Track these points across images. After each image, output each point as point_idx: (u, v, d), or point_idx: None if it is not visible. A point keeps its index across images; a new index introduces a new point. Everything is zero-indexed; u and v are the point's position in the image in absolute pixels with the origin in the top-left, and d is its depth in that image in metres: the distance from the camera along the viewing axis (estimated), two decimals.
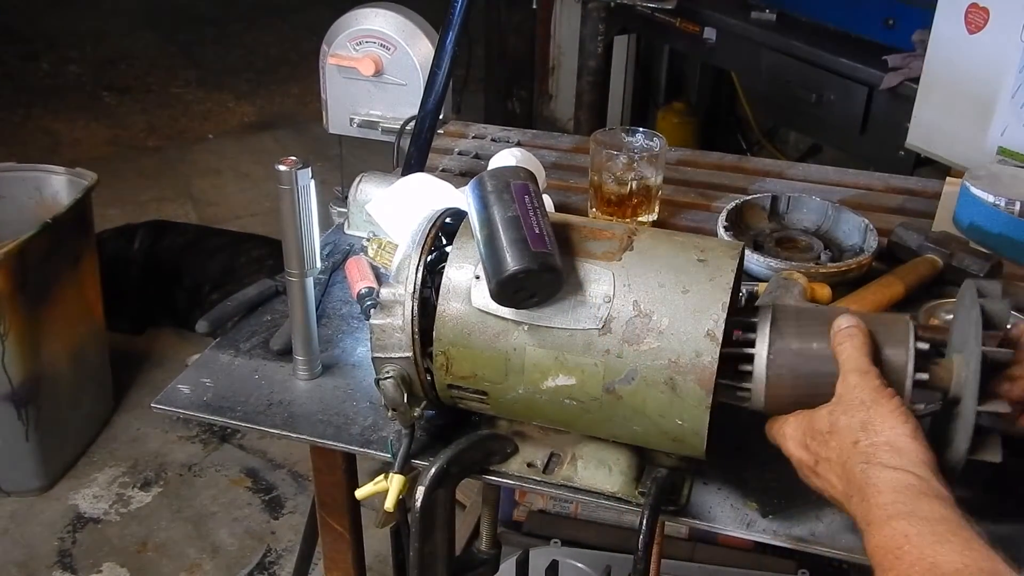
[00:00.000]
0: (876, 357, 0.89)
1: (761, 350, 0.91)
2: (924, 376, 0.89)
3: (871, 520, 0.79)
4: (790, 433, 0.91)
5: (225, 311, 1.33)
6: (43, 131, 4.77)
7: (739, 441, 1.09)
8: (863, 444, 0.84)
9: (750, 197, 1.52)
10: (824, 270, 1.33)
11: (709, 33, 3.07)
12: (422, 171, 1.51)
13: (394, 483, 1.00)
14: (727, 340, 0.91)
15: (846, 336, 0.90)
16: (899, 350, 0.89)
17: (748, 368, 0.92)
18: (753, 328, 0.93)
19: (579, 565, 1.90)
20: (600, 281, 0.93)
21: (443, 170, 1.72)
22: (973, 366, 0.86)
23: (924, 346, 0.90)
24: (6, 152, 4.21)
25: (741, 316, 0.94)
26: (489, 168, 1.29)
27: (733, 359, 0.93)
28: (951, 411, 0.91)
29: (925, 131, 2.11)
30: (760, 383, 0.92)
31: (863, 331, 0.89)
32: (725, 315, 0.90)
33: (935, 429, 0.93)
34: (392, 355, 0.99)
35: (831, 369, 0.89)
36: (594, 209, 1.52)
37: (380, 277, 1.37)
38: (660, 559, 1.50)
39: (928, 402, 0.93)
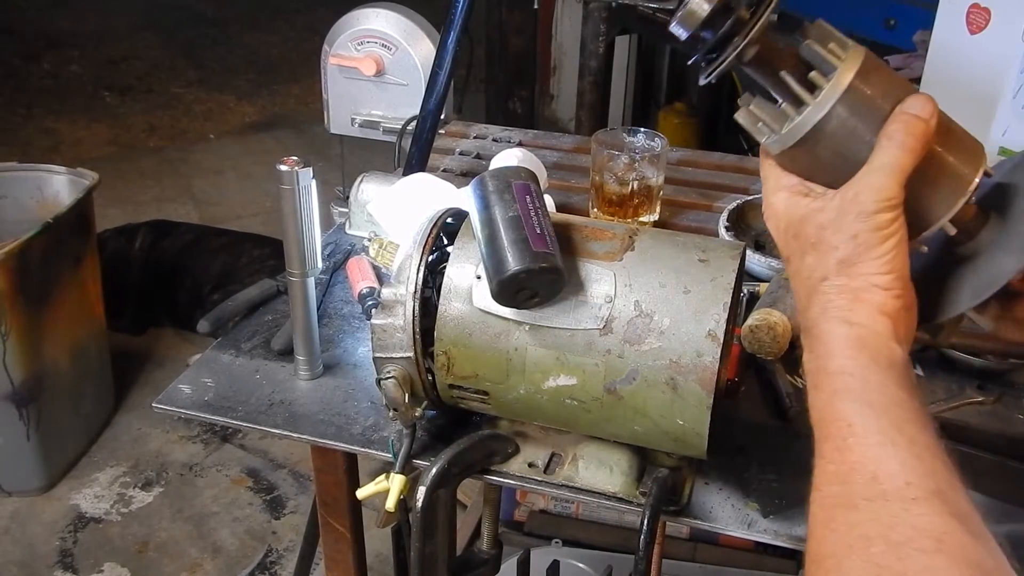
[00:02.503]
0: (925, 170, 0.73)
1: (844, 78, 0.75)
2: (973, 200, 0.76)
3: (816, 384, 0.73)
4: (778, 208, 0.80)
5: (226, 311, 1.33)
6: (44, 131, 4.77)
7: (740, 441, 1.09)
8: (830, 286, 0.74)
9: (751, 197, 1.52)
10: None
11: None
12: (423, 171, 1.51)
13: (395, 483, 1.00)
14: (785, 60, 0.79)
15: (903, 133, 0.73)
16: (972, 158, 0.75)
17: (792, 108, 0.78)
18: (823, 67, 0.78)
19: (580, 565, 1.90)
20: (601, 281, 0.93)
21: (444, 170, 1.72)
22: None
23: (990, 171, 0.77)
24: (7, 152, 4.22)
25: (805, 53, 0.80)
26: (490, 168, 1.29)
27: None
28: (946, 260, 0.81)
29: None
30: (798, 134, 0.76)
31: (926, 138, 0.73)
32: (726, 315, 0.90)
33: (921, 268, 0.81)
34: (393, 355, 0.99)
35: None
36: (595, 209, 1.52)
37: (381, 277, 1.37)
38: (661, 559, 1.50)
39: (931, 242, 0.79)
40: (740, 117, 0.83)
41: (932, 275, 0.81)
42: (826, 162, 0.77)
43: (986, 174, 0.76)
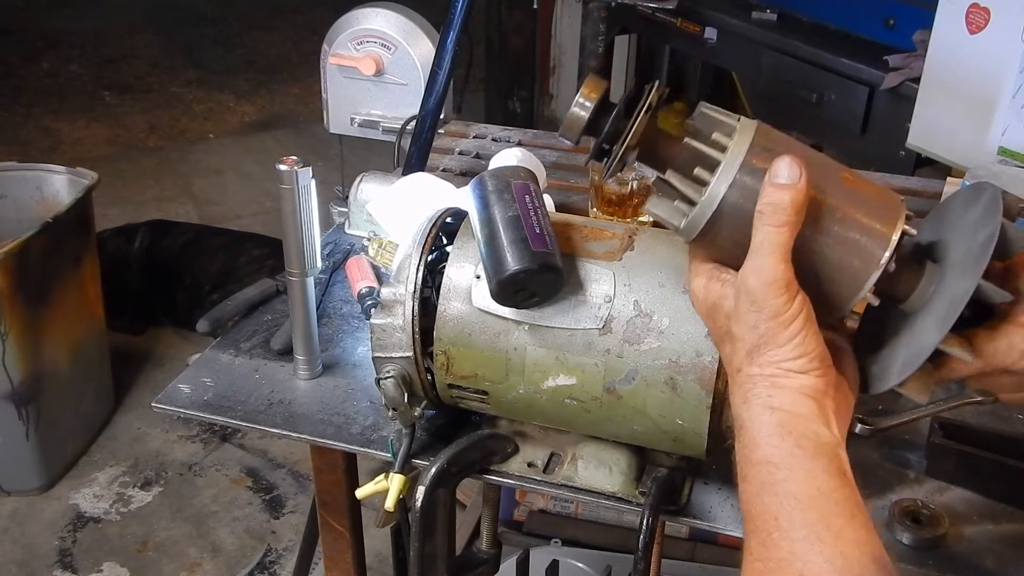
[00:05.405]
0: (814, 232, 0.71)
1: (727, 174, 0.73)
2: (892, 267, 0.73)
3: (744, 475, 0.71)
4: (697, 294, 0.79)
5: (226, 311, 1.33)
6: (44, 131, 4.77)
7: None
8: (745, 376, 0.73)
9: None
10: None
11: (710, 33, 3.07)
12: (423, 171, 1.51)
13: (394, 483, 1.00)
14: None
15: (769, 208, 0.70)
16: (883, 225, 0.73)
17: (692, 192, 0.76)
18: (720, 135, 0.75)
19: (579, 565, 1.90)
20: (601, 281, 0.93)
21: (444, 170, 1.72)
22: (958, 290, 0.71)
23: (912, 231, 0.74)
24: (7, 151, 4.22)
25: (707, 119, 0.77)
26: (490, 168, 1.29)
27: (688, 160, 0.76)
28: (892, 320, 0.78)
29: (926, 131, 2.11)
30: (706, 211, 0.74)
31: (796, 205, 0.69)
32: None
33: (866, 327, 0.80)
34: (393, 355, 0.99)
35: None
36: (595, 209, 1.52)
37: (381, 277, 1.37)
38: (660, 559, 1.50)
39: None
40: (650, 207, 0.80)
41: (877, 339, 0.79)
42: (728, 250, 0.76)
43: (906, 233, 0.73)
